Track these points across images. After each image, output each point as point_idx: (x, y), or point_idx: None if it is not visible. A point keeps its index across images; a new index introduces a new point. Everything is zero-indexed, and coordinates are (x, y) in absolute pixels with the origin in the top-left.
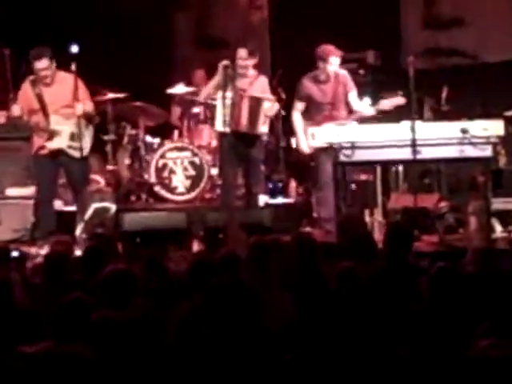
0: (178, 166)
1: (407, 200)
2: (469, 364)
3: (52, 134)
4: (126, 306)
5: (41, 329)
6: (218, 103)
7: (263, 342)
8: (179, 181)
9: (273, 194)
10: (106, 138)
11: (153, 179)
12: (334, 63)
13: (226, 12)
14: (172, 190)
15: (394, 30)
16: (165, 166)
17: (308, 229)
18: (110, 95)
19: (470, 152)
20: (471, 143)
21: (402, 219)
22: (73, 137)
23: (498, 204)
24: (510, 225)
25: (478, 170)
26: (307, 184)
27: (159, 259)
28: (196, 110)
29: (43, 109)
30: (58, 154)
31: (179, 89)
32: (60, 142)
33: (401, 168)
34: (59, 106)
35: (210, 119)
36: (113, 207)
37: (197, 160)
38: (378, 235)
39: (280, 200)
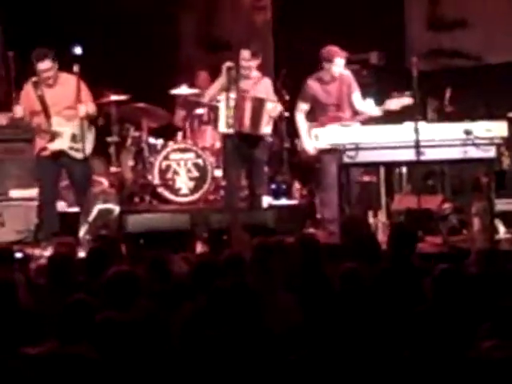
0: (182, 168)
1: (411, 201)
2: (472, 365)
3: (54, 136)
4: (130, 307)
5: (44, 330)
6: (222, 105)
7: (267, 343)
8: (183, 182)
9: (276, 195)
10: (109, 139)
11: (156, 181)
12: (339, 64)
13: (230, 14)
14: (175, 192)
15: (398, 31)
16: (168, 167)
17: (311, 230)
18: (114, 97)
19: (474, 153)
20: (475, 144)
21: (405, 220)
22: (74, 138)
23: (502, 205)
24: None
25: (481, 171)
26: (311, 185)
27: (163, 261)
28: (199, 111)
29: (45, 110)
30: (60, 155)
31: (183, 90)
32: (62, 144)
33: (404, 169)
34: (61, 108)
35: (213, 121)
36: (116, 209)
37: (200, 161)
38: (381, 236)
39: (284, 201)
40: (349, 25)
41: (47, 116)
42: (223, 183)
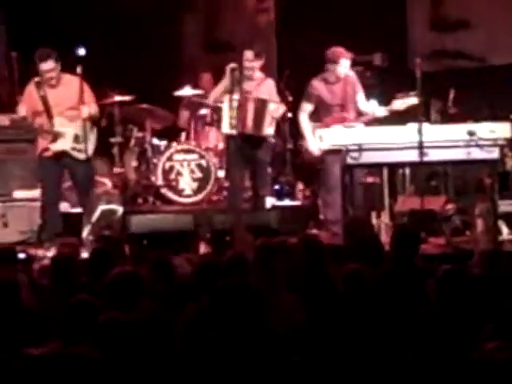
0: (185, 169)
1: (414, 202)
2: (475, 366)
3: (56, 136)
4: (133, 308)
5: (47, 330)
6: (225, 106)
7: (270, 343)
8: (186, 183)
9: (280, 196)
10: (112, 140)
11: (160, 181)
12: (344, 65)
13: (233, 15)
14: (179, 193)
15: (401, 32)
16: (172, 168)
17: (315, 231)
18: (117, 98)
19: (477, 154)
20: (478, 145)
21: (408, 221)
22: (77, 139)
23: (505, 206)
24: None
25: (484, 172)
26: (314, 186)
27: (166, 261)
28: (203, 112)
29: (47, 111)
30: (62, 155)
31: (186, 91)
32: (64, 144)
33: (408, 170)
34: (64, 108)
35: (216, 122)
36: (120, 209)
37: (204, 162)
38: (384, 237)
39: (287, 202)
40: (352, 26)
41: (49, 116)
42: (226, 184)
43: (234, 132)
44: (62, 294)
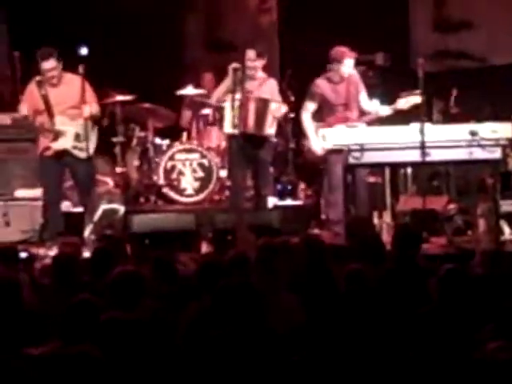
0: (187, 168)
1: (416, 202)
2: (477, 366)
3: (57, 135)
4: (135, 307)
5: (48, 330)
6: (227, 105)
7: (270, 343)
8: (188, 182)
9: (282, 195)
10: (114, 139)
11: (161, 181)
12: (348, 65)
13: (235, 15)
14: (181, 192)
15: (403, 32)
16: (173, 167)
17: (316, 231)
18: (119, 97)
19: (479, 154)
20: (480, 145)
21: (410, 221)
22: (78, 137)
23: (507, 206)
24: None
25: (486, 172)
26: (316, 186)
27: (168, 261)
28: (205, 111)
29: (48, 109)
30: (63, 154)
31: (189, 91)
32: (65, 143)
33: (409, 170)
34: (65, 107)
35: (218, 121)
36: (121, 209)
37: (205, 162)
38: (386, 237)
39: (289, 202)
40: (354, 26)
41: (50, 115)
42: (228, 184)
43: (235, 131)
44: (64, 293)
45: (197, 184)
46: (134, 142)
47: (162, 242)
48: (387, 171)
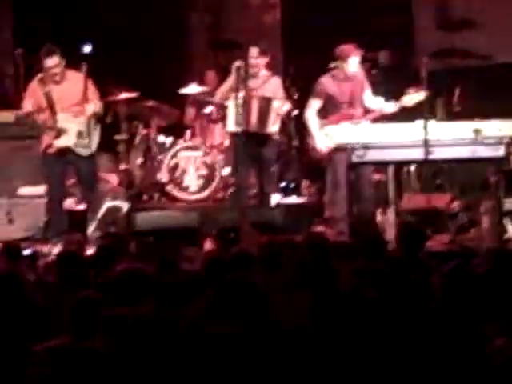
0: (190, 166)
1: (419, 200)
2: (482, 364)
3: (59, 132)
4: (139, 304)
5: (53, 327)
6: (231, 104)
7: (274, 341)
8: (191, 180)
9: (285, 193)
10: (118, 137)
11: (165, 179)
12: (353, 62)
13: (239, 13)
14: (184, 190)
15: (407, 30)
16: (177, 165)
17: (320, 228)
18: (123, 95)
19: (483, 152)
20: (484, 143)
21: (414, 219)
22: (80, 135)
23: (510, 204)
24: None
25: (490, 170)
26: (319, 184)
27: (172, 258)
28: (208, 109)
29: (51, 107)
30: (66, 152)
31: (192, 89)
32: (67, 140)
33: (413, 168)
34: (68, 105)
35: (222, 119)
36: (125, 206)
37: (209, 160)
38: (389, 235)
39: (292, 200)
40: (357, 24)
41: (53, 112)
42: (231, 181)
43: (239, 130)
44: (68, 290)
45: (200, 182)
46: (138, 139)
47: (165, 240)
48: (391, 169)
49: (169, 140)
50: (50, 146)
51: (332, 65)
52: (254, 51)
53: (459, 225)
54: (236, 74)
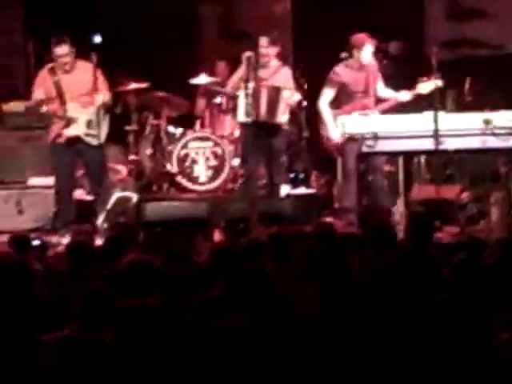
0: (200, 156)
1: (429, 190)
2: (490, 356)
3: (69, 122)
4: (147, 295)
5: (61, 317)
6: (241, 94)
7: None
8: (201, 171)
9: (294, 184)
10: (128, 128)
11: (174, 169)
12: (368, 51)
13: (249, 3)
14: (194, 180)
15: (417, 20)
16: (187, 156)
17: (329, 219)
18: (133, 85)
19: (493, 143)
20: (494, 134)
21: (423, 210)
22: (90, 124)
23: None
24: None
25: (500, 160)
26: (329, 175)
27: (181, 249)
28: (219, 100)
29: (60, 96)
30: (75, 141)
31: (202, 79)
32: (77, 130)
33: (423, 159)
34: (77, 94)
35: (232, 110)
36: (135, 197)
37: (219, 150)
38: (399, 225)
39: (302, 190)
40: (368, 14)
41: (62, 102)
42: (241, 172)
43: (249, 120)
44: (76, 280)
45: (210, 172)
46: (148, 130)
47: (174, 230)
48: (400, 160)
49: (179, 131)
50: (59, 135)
51: (343, 55)
52: (264, 40)
53: (469, 216)
54: (246, 64)
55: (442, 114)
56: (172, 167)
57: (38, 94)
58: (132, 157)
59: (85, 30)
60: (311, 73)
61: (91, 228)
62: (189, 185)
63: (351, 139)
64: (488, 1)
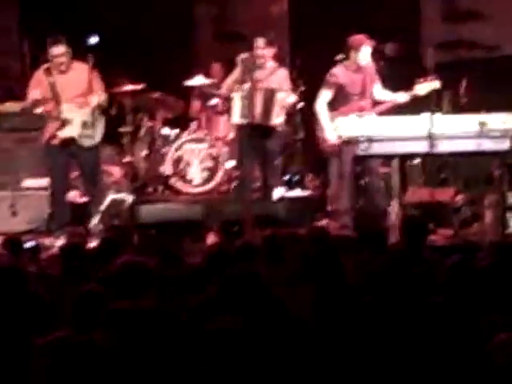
0: (195, 158)
1: (423, 193)
2: (485, 358)
3: (64, 123)
4: (141, 297)
5: (55, 319)
6: (236, 95)
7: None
8: (195, 173)
9: (289, 186)
10: (123, 129)
11: (169, 171)
12: (365, 52)
13: (245, 5)
14: (188, 182)
15: (413, 22)
16: (181, 157)
17: (324, 222)
18: (128, 87)
19: (488, 145)
20: (489, 136)
21: (418, 212)
22: (85, 125)
23: None
24: None
25: (494, 163)
26: (323, 177)
27: (175, 251)
28: (214, 101)
29: (56, 97)
30: (70, 143)
31: (198, 81)
32: (72, 131)
33: (418, 161)
34: (72, 95)
35: (227, 111)
36: (129, 199)
37: (213, 152)
38: (393, 228)
39: (296, 193)
40: (364, 16)
41: (57, 103)
42: (236, 174)
43: (244, 122)
44: (71, 283)
45: (204, 174)
46: (143, 131)
47: (169, 232)
48: (395, 162)
49: (173, 132)
50: (53, 136)
51: (338, 57)
52: (260, 42)
53: (463, 219)
54: (242, 66)
55: (437, 116)
56: (166, 169)
57: (34, 94)
58: (127, 158)
59: (81, 31)
60: (308, 74)
61: (85, 230)
62: (183, 187)
63: (347, 141)
64: (484, 2)
